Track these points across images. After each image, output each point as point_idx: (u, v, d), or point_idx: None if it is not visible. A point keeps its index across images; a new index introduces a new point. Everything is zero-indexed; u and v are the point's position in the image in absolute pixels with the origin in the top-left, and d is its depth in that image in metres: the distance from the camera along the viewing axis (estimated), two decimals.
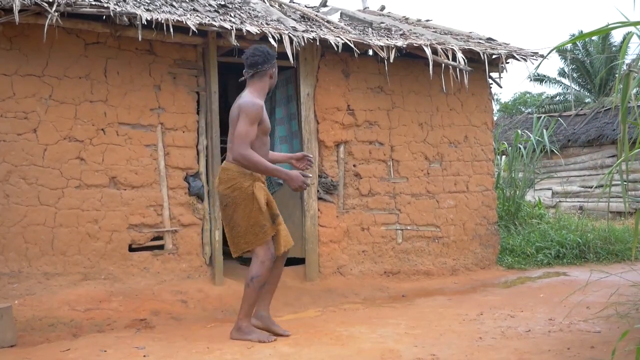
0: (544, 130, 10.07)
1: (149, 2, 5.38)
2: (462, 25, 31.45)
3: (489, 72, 7.08)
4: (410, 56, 6.53)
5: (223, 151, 6.56)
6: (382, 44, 6.09)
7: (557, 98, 24.46)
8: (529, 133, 10.21)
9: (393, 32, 6.80)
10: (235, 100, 4.12)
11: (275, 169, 4.01)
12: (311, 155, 4.36)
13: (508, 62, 7.05)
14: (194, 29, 5.12)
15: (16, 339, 4.17)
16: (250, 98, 3.99)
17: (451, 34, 7.41)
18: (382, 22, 7.25)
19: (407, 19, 8.09)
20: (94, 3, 4.83)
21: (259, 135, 4.00)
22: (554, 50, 3.21)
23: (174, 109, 5.53)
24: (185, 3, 5.73)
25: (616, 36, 21.35)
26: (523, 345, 3.65)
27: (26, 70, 4.94)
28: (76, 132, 5.11)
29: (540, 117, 11.31)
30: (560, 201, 14.26)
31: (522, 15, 59.79)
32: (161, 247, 5.46)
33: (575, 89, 23.61)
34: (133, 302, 5.00)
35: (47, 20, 4.60)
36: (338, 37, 5.90)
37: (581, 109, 15.96)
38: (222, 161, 6.01)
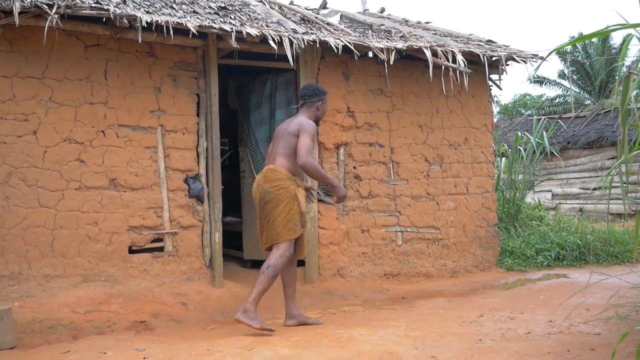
0: (544, 132, 10.08)
1: (149, 4, 5.38)
2: (462, 28, 31.46)
3: (489, 74, 7.09)
4: (410, 58, 6.54)
5: (223, 153, 6.59)
6: (382, 46, 6.09)
7: (557, 100, 24.49)
8: (528, 135, 10.22)
9: (393, 34, 6.80)
10: (289, 120, 4.83)
11: (330, 177, 4.82)
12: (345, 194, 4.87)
13: (508, 64, 7.05)
14: (194, 31, 5.12)
15: (16, 341, 4.17)
16: (307, 120, 4.69)
17: (451, 36, 7.42)
18: (382, 24, 7.25)
19: (407, 21, 8.09)
20: (94, 5, 4.84)
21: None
22: (554, 52, 3.22)
23: (174, 111, 5.54)
24: (186, 5, 5.73)
25: (616, 38, 21.42)
26: (523, 347, 3.65)
27: (26, 73, 4.94)
28: (76, 134, 5.11)
29: (540, 119, 11.32)
30: (560, 203, 14.26)
31: (522, 17, 59.83)
32: (161, 249, 5.46)
33: (575, 91, 23.63)
34: (133, 304, 5.00)
35: (47, 23, 4.60)
36: (338, 39, 5.90)
37: (581, 111, 15.97)
38: (222, 163, 6.04)
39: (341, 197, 4.71)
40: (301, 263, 6.11)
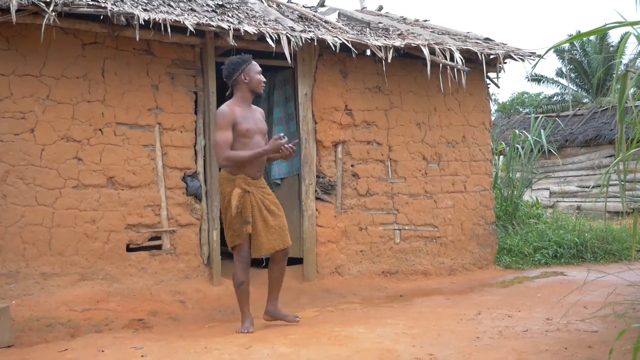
0: (542, 130, 10.07)
1: (146, 2, 5.37)
2: (460, 26, 31.44)
3: (486, 72, 7.09)
4: (408, 56, 6.54)
5: None
6: (380, 44, 6.09)
7: (555, 98, 24.51)
8: (526, 133, 10.22)
9: (391, 32, 6.80)
10: None
11: (256, 152, 4.29)
12: (280, 135, 4.34)
13: (506, 62, 7.06)
14: (192, 29, 5.12)
15: (14, 339, 4.17)
16: (221, 107, 4.32)
17: (449, 34, 7.42)
18: (380, 22, 7.26)
19: (404, 19, 8.10)
20: (91, 3, 4.83)
21: (237, 138, 4.29)
22: (552, 50, 3.22)
23: (171, 109, 5.53)
24: (183, 3, 5.72)
25: (613, 36, 21.39)
26: (521, 345, 3.65)
27: (23, 71, 4.93)
28: (74, 132, 5.10)
29: (538, 117, 11.30)
30: (557, 201, 14.28)
31: (520, 15, 59.85)
32: (159, 247, 5.46)
33: (573, 89, 23.64)
34: (131, 303, 5.00)
35: (45, 20, 4.59)
36: (336, 37, 5.90)
37: (579, 109, 15.98)
38: None
39: (282, 154, 4.25)
40: (299, 261, 6.12)
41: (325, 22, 6.57)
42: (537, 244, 7.76)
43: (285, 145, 4.24)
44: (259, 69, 4.48)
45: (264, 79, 4.50)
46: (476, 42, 7.14)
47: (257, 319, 4.55)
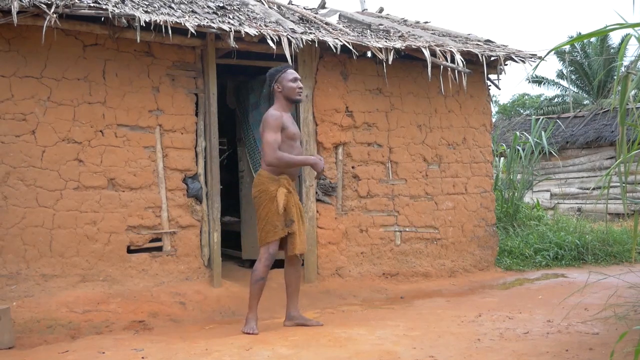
0: (543, 132, 10.08)
1: (147, 3, 5.38)
2: (461, 27, 31.47)
3: (487, 74, 7.09)
4: (409, 58, 6.54)
5: (221, 153, 6.59)
6: (381, 46, 6.09)
7: (556, 100, 24.51)
8: (527, 135, 10.22)
9: (391, 34, 6.80)
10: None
11: (304, 158, 4.72)
12: (321, 157, 4.76)
13: (506, 64, 7.05)
14: (193, 31, 5.12)
15: (14, 340, 4.17)
16: (269, 112, 4.52)
17: (449, 36, 7.42)
18: (380, 24, 7.26)
19: (405, 20, 8.10)
20: (92, 4, 4.83)
21: (285, 140, 4.46)
22: (553, 52, 3.22)
23: (172, 111, 5.53)
24: (184, 5, 5.72)
25: (614, 38, 21.41)
26: (521, 347, 3.65)
27: (24, 72, 4.94)
28: (74, 134, 5.10)
29: (539, 118, 11.31)
30: (558, 203, 14.28)
31: (521, 17, 59.86)
32: (159, 248, 5.45)
33: (574, 91, 23.63)
34: (131, 304, 4.99)
35: (46, 22, 4.59)
36: (336, 38, 5.90)
37: (579, 111, 15.98)
38: (220, 163, 6.04)
39: (319, 170, 4.52)
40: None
41: (326, 23, 6.57)
42: (537, 245, 7.76)
43: (323, 168, 4.55)
44: (293, 76, 4.59)
45: (300, 85, 4.62)
46: (477, 44, 7.14)
47: (259, 320, 4.54)
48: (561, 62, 23.25)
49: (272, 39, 5.42)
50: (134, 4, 5.21)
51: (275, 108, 4.56)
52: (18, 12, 4.53)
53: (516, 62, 7.02)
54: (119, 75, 5.30)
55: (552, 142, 13.08)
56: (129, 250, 5.31)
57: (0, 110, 4.84)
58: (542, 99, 26.48)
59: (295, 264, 4.63)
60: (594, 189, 13.19)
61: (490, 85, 7.45)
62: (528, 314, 4.70)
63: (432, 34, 7.37)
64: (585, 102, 22.42)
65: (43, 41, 4.74)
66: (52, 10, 4.59)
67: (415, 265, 6.68)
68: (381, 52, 6.08)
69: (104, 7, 4.85)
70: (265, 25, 5.76)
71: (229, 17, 5.73)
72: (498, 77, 7.30)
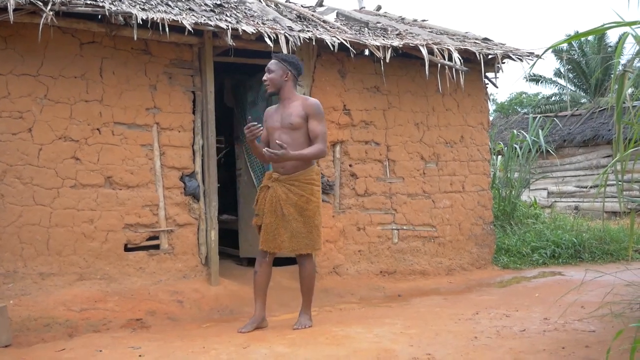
0: (540, 131, 10.09)
1: (144, 1, 5.37)
2: (458, 26, 31.51)
3: (485, 72, 7.09)
4: (407, 56, 6.54)
5: (219, 151, 6.58)
6: (379, 44, 6.09)
7: (553, 98, 24.51)
8: (524, 133, 10.24)
9: (389, 32, 6.80)
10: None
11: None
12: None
13: (504, 62, 7.06)
14: (190, 29, 5.11)
15: (11, 339, 4.16)
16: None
17: (447, 34, 7.42)
18: (378, 22, 7.25)
19: (403, 19, 8.09)
20: (89, 2, 4.82)
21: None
22: (550, 50, 3.23)
23: (169, 109, 5.52)
24: (181, 2, 5.71)
25: (611, 36, 21.42)
26: (518, 345, 3.66)
27: (21, 70, 4.92)
28: (71, 132, 5.10)
29: (536, 117, 11.33)
30: (555, 201, 14.30)
31: (518, 15, 59.91)
32: (157, 247, 5.45)
33: (571, 89, 23.65)
34: (129, 302, 4.99)
35: (42, 20, 4.58)
36: (334, 37, 5.90)
37: (577, 109, 15.99)
38: (218, 161, 6.04)
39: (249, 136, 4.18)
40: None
41: (324, 21, 6.56)
42: (535, 244, 7.78)
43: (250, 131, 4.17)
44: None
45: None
46: (474, 42, 7.15)
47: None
48: (559, 61, 23.24)
49: (269, 37, 5.42)
50: (131, 2, 5.20)
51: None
52: (14, 10, 4.52)
53: (514, 60, 7.03)
54: (116, 73, 5.29)
55: (550, 140, 13.10)
56: (127, 249, 5.31)
57: None
58: (539, 97, 26.49)
59: (299, 263, 4.41)
60: (591, 187, 13.21)
61: (487, 84, 7.46)
62: (525, 312, 4.71)
63: (429, 32, 7.37)
64: (583, 100, 22.43)
65: (40, 39, 4.73)
66: (49, 7, 4.58)
67: (412, 264, 6.69)
68: (379, 50, 6.07)
69: (100, 4, 4.84)
70: (263, 23, 5.75)
71: (226, 15, 5.73)
72: (495, 75, 7.31)
